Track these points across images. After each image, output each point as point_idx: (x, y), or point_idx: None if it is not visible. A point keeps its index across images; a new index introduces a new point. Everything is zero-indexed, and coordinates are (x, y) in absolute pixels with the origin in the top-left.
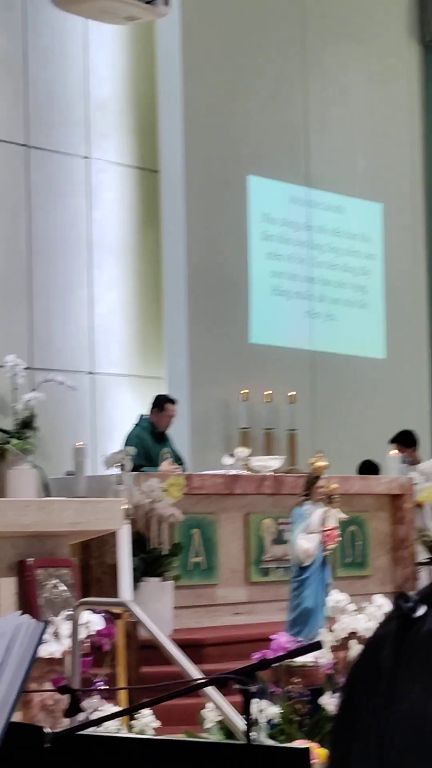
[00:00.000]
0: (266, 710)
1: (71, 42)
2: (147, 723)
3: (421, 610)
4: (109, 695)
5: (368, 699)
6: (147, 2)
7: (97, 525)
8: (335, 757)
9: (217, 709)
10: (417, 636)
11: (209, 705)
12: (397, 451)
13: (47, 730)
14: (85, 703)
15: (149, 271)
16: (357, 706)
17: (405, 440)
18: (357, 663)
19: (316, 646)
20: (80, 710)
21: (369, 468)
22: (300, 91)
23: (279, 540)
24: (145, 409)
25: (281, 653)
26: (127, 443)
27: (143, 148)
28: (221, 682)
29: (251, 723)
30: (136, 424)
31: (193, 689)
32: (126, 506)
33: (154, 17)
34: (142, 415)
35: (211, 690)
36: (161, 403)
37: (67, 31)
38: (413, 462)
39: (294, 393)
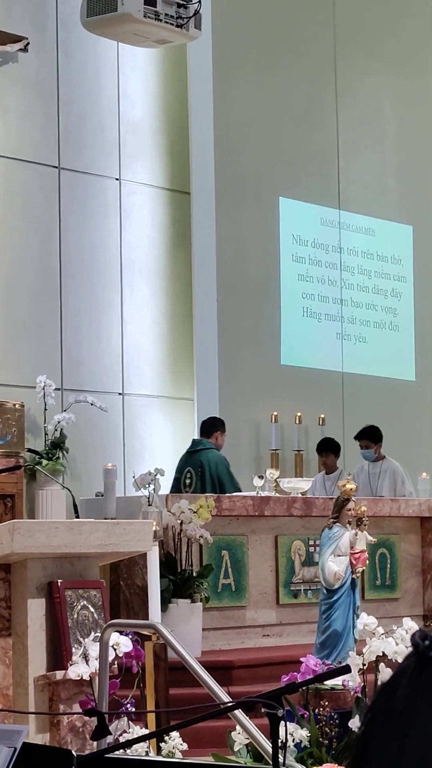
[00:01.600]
0: (295, 733)
1: (103, 64)
2: (175, 745)
3: None
4: (138, 717)
5: (382, 737)
6: (178, 26)
7: (127, 546)
8: None
9: (245, 732)
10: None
11: (237, 728)
12: (363, 446)
13: (75, 752)
14: (113, 726)
15: (180, 292)
16: (372, 743)
17: (372, 436)
18: (374, 701)
19: (345, 669)
20: (108, 733)
21: (328, 445)
22: (331, 114)
23: (309, 562)
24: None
25: (310, 676)
26: (220, 468)
27: (174, 170)
28: (248, 706)
29: (278, 746)
30: (209, 449)
31: (221, 713)
32: (155, 528)
33: (185, 40)
34: (204, 440)
35: (238, 713)
36: (223, 426)
37: (99, 54)
38: (378, 458)
39: (324, 415)
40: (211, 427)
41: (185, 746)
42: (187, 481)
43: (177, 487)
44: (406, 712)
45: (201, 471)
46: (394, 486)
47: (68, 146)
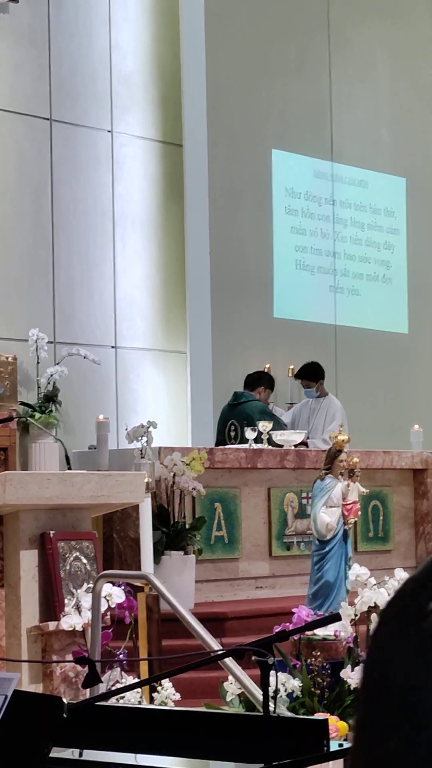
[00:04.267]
0: (287, 683)
1: (95, 16)
2: (168, 695)
3: None
4: (130, 668)
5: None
6: None
7: (119, 498)
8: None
9: (237, 682)
10: None
11: (230, 678)
12: (304, 385)
13: (66, 700)
14: (106, 676)
15: (173, 245)
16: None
17: (310, 375)
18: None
19: (335, 618)
20: (98, 680)
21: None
22: (324, 65)
23: (301, 514)
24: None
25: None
26: (268, 416)
27: (167, 122)
28: (239, 654)
29: (269, 694)
30: (253, 400)
31: (211, 660)
32: (147, 479)
33: None
34: (247, 392)
35: (230, 662)
36: (269, 383)
37: (90, 5)
38: (322, 394)
39: None
40: (256, 381)
41: (178, 696)
42: (232, 434)
43: (222, 441)
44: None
45: (247, 423)
46: (325, 423)
47: (60, 98)
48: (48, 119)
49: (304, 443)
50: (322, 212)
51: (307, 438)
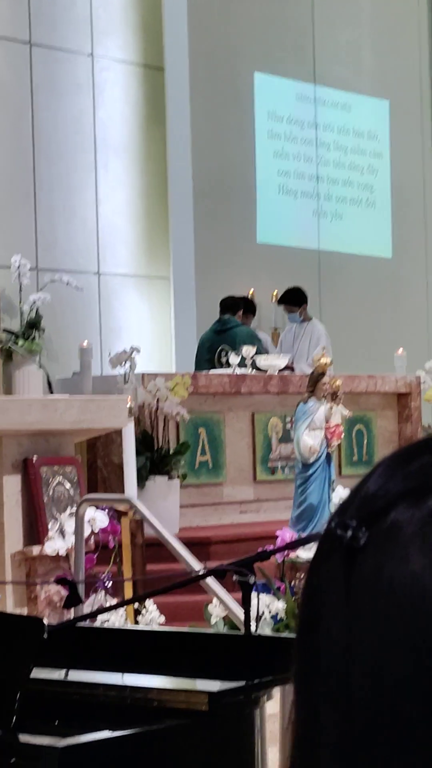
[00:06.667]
0: (271, 605)
1: None
2: (152, 618)
3: (364, 537)
4: (115, 592)
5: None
6: None
7: (101, 423)
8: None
9: (221, 604)
10: (362, 573)
11: (214, 600)
12: (286, 310)
13: (47, 621)
14: (91, 600)
15: (155, 170)
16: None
17: (292, 299)
18: (302, 617)
19: (314, 537)
20: (80, 601)
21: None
22: None
23: (285, 439)
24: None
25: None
26: (257, 340)
27: (148, 46)
28: (220, 574)
29: (250, 614)
30: (239, 325)
31: (193, 581)
32: (130, 404)
33: None
34: (231, 318)
35: (213, 584)
36: (250, 309)
37: None
38: (305, 319)
39: None
40: (235, 306)
41: (163, 619)
42: (224, 359)
43: (211, 366)
44: (341, 641)
45: (239, 348)
46: (310, 348)
47: (39, 21)
48: (27, 43)
49: (289, 368)
50: (305, 136)
51: (292, 362)
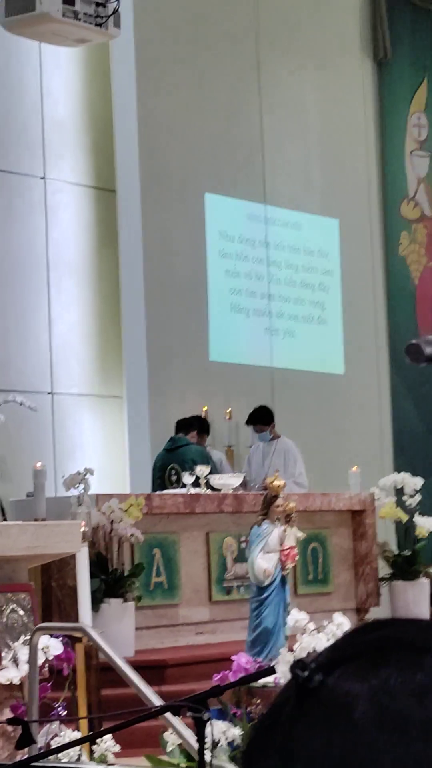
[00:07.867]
0: (227, 732)
1: (26, 63)
2: (108, 748)
3: (317, 679)
4: (69, 720)
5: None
6: (98, 25)
7: (55, 548)
8: None
9: (176, 733)
10: (312, 710)
11: (170, 729)
12: (257, 430)
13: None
14: (44, 730)
15: (107, 290)
16: None
17: (263, 419)
18: (251, 740)
19: (270, 671)
20: (32, 741)
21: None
22: (255, 109)
23: (241, 558)
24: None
25: (242, 674)
26: (204, 458)
27: (100, 168)
28: (175, 710)
29: (204, 749)
30: (190, 444)
31: (148, 717)
32: (84, 529)
33: (105, 39)
34: (182, 437)
35: (168, 714)
36: (203, 428)
37: (21, 53)
38: (274, 437)
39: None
40: (189, 426)
41: (118, 748)
42: (173, 478)
43: (162, 486)
44: (287, 748)
45: (189, 467)
46: (286, 465)
47: None
48: None
49: (244, 485)
50: (257, 255)
51: (261, 481)
